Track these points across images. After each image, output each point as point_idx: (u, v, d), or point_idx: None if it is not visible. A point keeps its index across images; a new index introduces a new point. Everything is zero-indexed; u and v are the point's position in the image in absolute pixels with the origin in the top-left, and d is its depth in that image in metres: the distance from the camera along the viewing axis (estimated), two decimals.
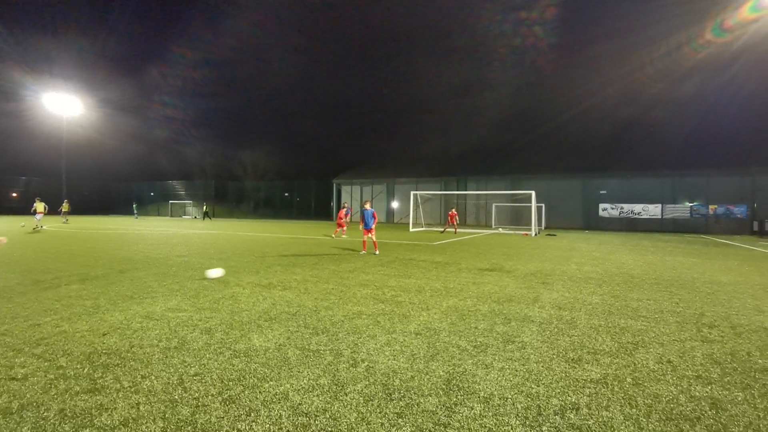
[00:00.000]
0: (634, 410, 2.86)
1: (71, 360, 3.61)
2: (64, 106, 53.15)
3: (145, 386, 3.11)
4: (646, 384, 3.29)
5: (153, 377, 3.26)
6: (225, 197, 63.21)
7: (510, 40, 69.48)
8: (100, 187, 69.18)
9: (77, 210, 46.73)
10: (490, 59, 76.13)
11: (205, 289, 6.70)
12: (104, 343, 4.02)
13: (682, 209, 35.50)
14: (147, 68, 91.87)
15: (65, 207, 34.31)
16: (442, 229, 26.65)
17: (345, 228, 19.87)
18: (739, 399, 3.06)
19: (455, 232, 25.95)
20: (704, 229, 33.66)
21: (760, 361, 3.85)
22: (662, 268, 10.37)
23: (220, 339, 4.19)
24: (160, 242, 15.44)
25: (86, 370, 3.40)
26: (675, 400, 3.02)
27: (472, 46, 78.56)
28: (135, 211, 49.01)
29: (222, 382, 3.20)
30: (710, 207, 34.42)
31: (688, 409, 2.90)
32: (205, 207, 49.51)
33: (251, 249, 13.44)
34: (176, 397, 2.95)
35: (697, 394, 3.13)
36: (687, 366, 3.69)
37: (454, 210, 26.64)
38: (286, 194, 59.40)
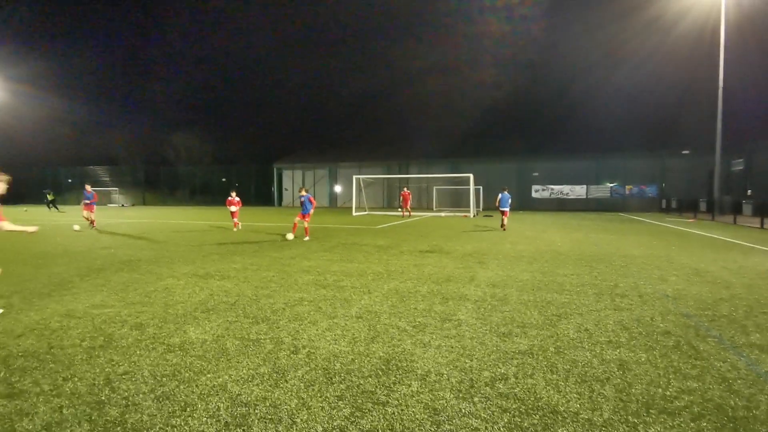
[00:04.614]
0: (554, 376, 3.14)
1: None
2: None
3: (67, 389, 2.91)
4: (566, 352, 3.60)
5: (76, 379, 3.06)
6: (157, 184, 59.24)
7: (464, 27, 70.72)
8: (7, 172, 61.93)
9: None
10: (444, 47, 76.99)
11: (134, 282, 6.32)
12: (20, 345, 3.70)
13: (603, 189, 38.58)
14: (67, 42, 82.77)
15: None
16: (402, 213, 26.71)
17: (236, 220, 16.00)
18: (643, 359, 3.45)
19: (407, 215, 26.20)
20: (621, 207, 36.86)
21: (661, 324, 4.34)
22: (585, 244, 11.26)
23: (152, 334, 4.00)
24: (83, 234, 14.24)
25: (2, 374, 3.13)
26: (589, 364, 3.34)
27: (429, 32, 78.92)
28: (49, 199, 44.27)
29: (155, 378, 3.07)
30: (626, 187, 37.71)
31: (599, 371, 3.22)
32: (49, 195, 37.65)
33: (186, 238, 12.80)
34: (103, 398, 2.80)
35: (608, 357, 3.49)
36: (601, 333, 4.08)
37: (406, 189, 26.84)
38: (224, 179, 56.88)
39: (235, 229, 15.58)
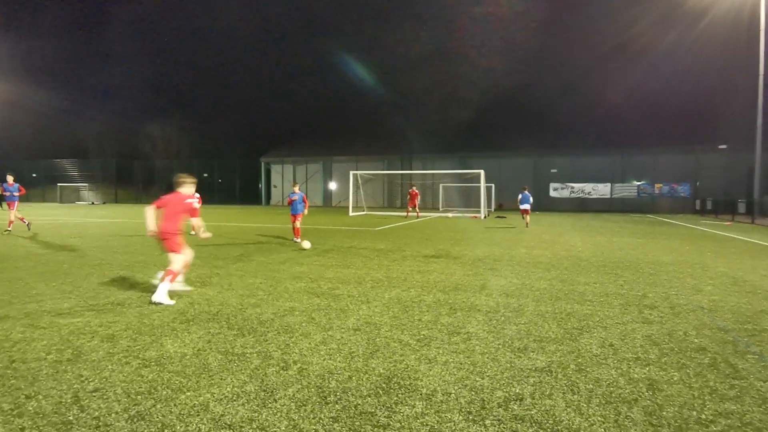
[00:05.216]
0: (575, 396, 3.13)
1: None
2: None
3: (30, 408, 2.91)
4: (588, 369, 3.60)
5: (41, 397, 3.06)
6: (130, 179, 59.35)
7: (470, 9, 70.75)
8: None
9: None
10: (448, 30, 77.05)
11: (106, 289, 6.33)
12: None
13: (629, 188, 38.61)
14: (28, 21, 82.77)
15: None
16: (407, 213, 26.75)
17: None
18: (675, 379, 3.45)
19: (415, 215, 26.18)
20: (650, 208, 36.88)
21: (696, 340, 4.34)
22: (609, 249, 11.28)
23: (125, 347, 4.01)
24: (47, 234, 14.25)
25: None
26: (615, 384, 3.34)
27: (430, 14, 78.97)
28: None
29: (128, 396, 3.07)
30: (656, 186, 37.74)
31: (626, 391, 3.22)
32: None
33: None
34: (71, 417, 2.80)
35: (636, 376, 3.49)
36: (627, 348, 4.08)
37: (414, 188, 26.86)
38: (206, 175, 56.93)
39: (193, 233, 14.70)
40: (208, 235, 6.12)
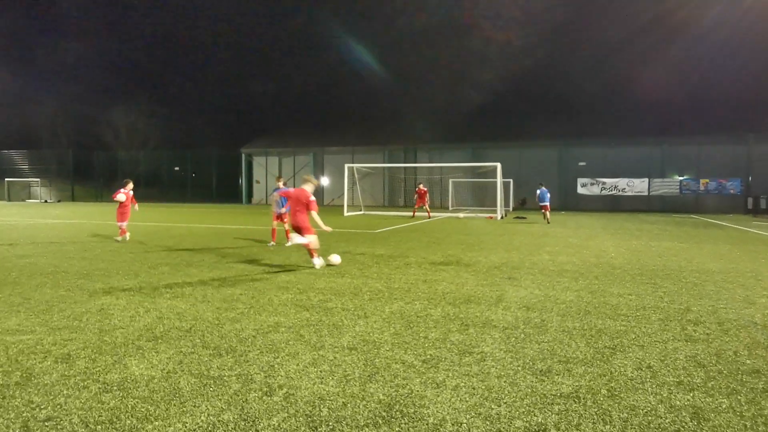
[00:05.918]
0: (608, 427, 3.13)
1: None
2: None
3: None
4: (622, 395, 3.60)
5: None
6: (89, 173, 59.45)
7: None
8: None
9: None
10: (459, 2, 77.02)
11: (61, 301, 6.34)
12: None
13: (670, 184, 38.57)
14: None
15: None
16: (413, 213, 26.82)
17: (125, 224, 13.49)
18: (724, 406, 3.44)
19: (429, 216, 26.22)
20: (694, 207, 36.85)
21: (748, 361, 4.34)
22: (647, 255, 11.28)
23: (83, 368, 4.01)
24: None
25: None
26: (653, 412, 3.34)
27: None
28: None
29: (86, 426, 3.07)
30: (701, 182, 37.71)
31: (667, 421, 3.22)
32: None
33: (127, 244, 12.82)
34: None
35: (678, 403, 3.48)
36: (668, 371, 4.08)
37: (421, 186, 26.91)
38: (177, 168, 57.06)
39: (119, 238, 13.38)
40: (328, 228, 9.64)
